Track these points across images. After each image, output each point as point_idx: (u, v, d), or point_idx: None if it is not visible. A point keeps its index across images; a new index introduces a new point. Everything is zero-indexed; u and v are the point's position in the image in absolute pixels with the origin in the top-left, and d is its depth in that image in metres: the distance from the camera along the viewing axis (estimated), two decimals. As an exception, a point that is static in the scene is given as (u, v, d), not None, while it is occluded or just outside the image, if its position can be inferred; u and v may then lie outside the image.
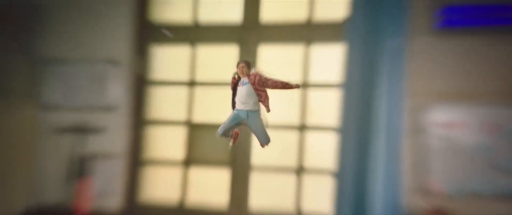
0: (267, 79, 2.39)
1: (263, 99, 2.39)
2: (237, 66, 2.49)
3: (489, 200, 3.70)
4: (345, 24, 3.96)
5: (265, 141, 2.43)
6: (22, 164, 4.43)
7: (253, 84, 2.37)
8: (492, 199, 3.69)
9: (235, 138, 2.38)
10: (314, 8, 4.30)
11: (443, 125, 3.82)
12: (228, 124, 2.43)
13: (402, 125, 3.77)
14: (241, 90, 2.41)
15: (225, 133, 2.44)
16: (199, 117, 4.25)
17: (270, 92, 4.47)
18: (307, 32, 4.29)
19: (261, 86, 2.35)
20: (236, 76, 2.50)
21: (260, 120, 2.42)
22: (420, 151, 3.86)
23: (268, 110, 2.38)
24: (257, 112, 2.39)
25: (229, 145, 2.38)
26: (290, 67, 4.09)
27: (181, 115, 4.38)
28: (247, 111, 2.37)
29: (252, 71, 2.45)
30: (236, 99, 2.44)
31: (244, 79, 2.44)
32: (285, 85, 2.33)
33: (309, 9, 4.30)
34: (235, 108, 2.46)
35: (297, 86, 2.24)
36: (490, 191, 3.71)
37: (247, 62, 2.47)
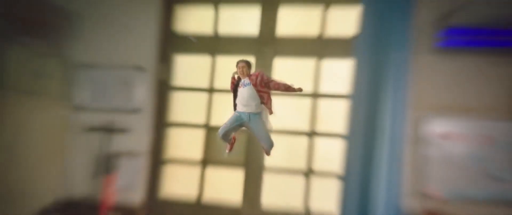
0: (269, 80, 2.37)
1: (266, 100, 2.36)
2: (237, 66, 2.42)
3: (482, 205, 3.73)
4: (354, 41, 3.96)
5: (268, 145, 2.38)
6: (53, 159, 4.46)
7: (255, 85, 2.32)
8: (484, 205, 3.73)
9: (232, 145, 2.40)
10: (325, 25, 4.29)
11: (441, 135, 3.85)
12: (229, 126, 2.39)
13: (404, 134, 3.78)
14: (243, 91, 2.35)
15: (226, 135, 2.41)
16: (217, 121, 4.24)
17: (283, 101, 4.12)
18: (319, 47, 4.28)
19: (263, 87, 2.33)
20: (236, 76, 2.45)
21: (263, 122, 2.40)
22: (420, 159, 3.88)
23: (271, 112, 2.38)
24: (259, 114, 2.36)
25: (226, 152, 2.45)
26: (303, 79, 4.09)
27: (200, 119, 4.36)
28: (249, 113, 2.34)
29: (252, 71, 2.45)
30: (237, 101, 2.39)
31: (245, 80, 2.37)
32: (288, 88, 2.33)
33: (321, 26, 4.30)
34: (236, 110, 2.43)
35: (299, 90, 2.27)
36: (483, 197, 3.74)
37: (247, 62, 2.41)
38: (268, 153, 2.45)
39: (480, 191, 3.77)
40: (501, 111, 3.78)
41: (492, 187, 3.78)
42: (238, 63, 2.37)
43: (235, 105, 2.42)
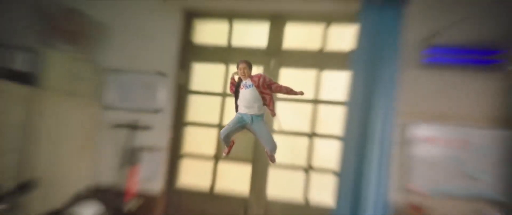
0: (271, 82, 2.23)
1: (268, 102, 2.23)
2: (237, 66, 2.27)
3: (458, 200, 3.80)
4: (351, 55, 3.96)
5: (271, 146, 2.26)
6: (86, 151, 4.47)
7: (257, 86, 2.19)
8: (460, 200, 3.79)
9: (230, 148, 2.34)
10: (326, 40, 4.30)
11: (424, 139, 3.91)
12: (232, 127, 2.27)
13: (392, 137, 3.79)
14: (245, 93, 2.22)
15: (228, 136, 2.32)
16: (228, 122, 4.13)
17: (287, 106, 4.13)
18: (319, 59, 4.28)
19: (266, 89, 2.20)
20: (235, 77, 2.33)
21: (265, 124, 2.29)
22: (406, 159, 3.93)
23: (274, 114, 2.27)
24: (261, 116, 2.25)
25: (223, 155, 2.38)
26: (305, 87, 3.83)
27: (214, 119, 4.36)
28: (252, 115, 2.22)
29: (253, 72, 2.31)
30: (239, 103, 2.25)
31: (247, 81, 2.23)
32: (290, 91, 2.20)
33: (322, 41, 4.30)
34: (238, 111, 2.30)
35: (301, 93, 2.19)
36: (459, 193, 3.80)
37: (248, 62, 2.27)
38: (272, 160, 2.36)
39: (456, 188, 3.81)
40: (476, 119, 3.83)
41: (467, 184, 3.84)
42: (238, 64, 2.27)
43: (236, 107, 2.32)
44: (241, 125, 2.25)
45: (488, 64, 3.86)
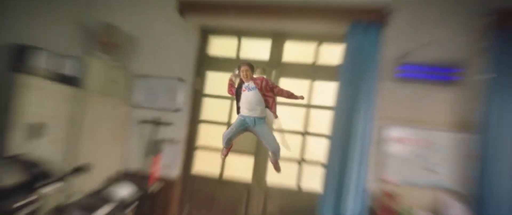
0: (274, 86, 2.08)
1: (270, 104, 2.07)
2: (239, 69, 2.09)
3: (421, 189, 3.88)
4: (338, 69, 3.97)
5: (274, 148, 2.11)
6: (117, 142, 4.50)
7: (260, 89, 2.03)
8: (423, 189, 3.88)
9: (228, 151, 2.24)
10: (318, 56, 4.33)
11: (396, 139, 3.97)
12: (235, 131, 2.12)
13: (371, 137, 3.84)
14: (248, 95, 2.05)
15: (230, 140, 2.17)
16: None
17: (284, 109, 3.83)
18: (312, 71, 4.30)
19: (268, 92, 2.04)
20: (234, 79, 2.20)
21: (268, 126, 2.11)
22: (381, 155, 3.98)
23: (276, 116, 2.11)
24: (264, 118, 2.08)
25: (221, 157, 2.28)
26: (300, 94, 3.78)
27: (224, 119, 4.40)
28: (254, 118, 2.05)
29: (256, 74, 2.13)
30: (241, 105, 2.09)
31: (250, 84, 2.06)
32: (291, 95, 2.06)
33: (315, 56, 4.33)
34: (240, 114, 2.13)
35: (301, 97, 2.07)
36: (422, 183, 3.89)
37: (250, 65, 2.09)
38: (277, 169, 2.32)
39: (421, 179, 3.90)
40: (438, 124, 3.90)
41: (429, 177, 3.91)
42: (240, 66, 2.10)
43: (238, 109, 2.16)
44: (243, 128, 2.11)
45: (449, 80, 3.92)
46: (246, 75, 2.05)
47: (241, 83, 2.11)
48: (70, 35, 4.49)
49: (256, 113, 2.05)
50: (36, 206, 2.73)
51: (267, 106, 2.09)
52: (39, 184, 2.83)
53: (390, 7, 3.92)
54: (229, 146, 2.26)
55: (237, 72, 2.17)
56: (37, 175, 2.91)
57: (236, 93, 2.13)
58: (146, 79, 4.63)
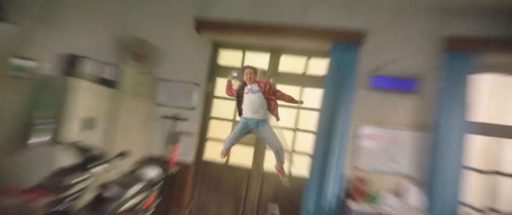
0: (276, 90, 1.93)
1: (272, 107, 1.91)
2: (243, 72, 1.89)
3: (386, 175, 3.95)
4: (324, 78, 4.02)
5: (278, 147, 1.89)
6: (144, 133, 4.55)
7: (264, 92, 1.88)
8: (388, 175, 3.96)
9: (227, 151, 2.12)
10: (307, 67, 4.40)
11: (367, 136, 4.04)
12: (239, 136, 1.93)
13: (348, 134, 3.89)
14: (252, 98, 1.87)
15: (233, 144, 2.01)
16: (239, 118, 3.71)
17: (280, 110, 3.70)
18: (303, 80, 4.34)
19: (271, 95, 1.89)
20: (233, 81, 2.01)
21: (271, 128, 1.92)
22: (355, 148, 4.04)
23: (278, 119, 1.96)
24: (266, 121, 1.92)
25: (221, 156, 2.17)
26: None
27: (230, 116, 4.47)
28: (258, 120, 1.90)
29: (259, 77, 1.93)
30: (245, 107, 1.92)
31: (254, 87, 1.89)
32: (292, 100, 1.96)
33: (305, 68, 4.40)
34: (242, 116, 1.94)
35: (301, 102, 2.03)
36: (387, 171, 3.97)
37: (254, 68, 1.91)
38: (282, 175, 2.11)
39: (386, 168, 3.99)
40: (401, 124, 3.98)
41: (392, 166, 3.99)
42: (244, 68, 1.92)
43: (240, 111, 1.98)
44: (246, 130, 1.95)
45: (410, 90, 3.97)
46: (250, 78, 1.88)
47: (244, 85, 1.95)
48: (110, 46, 4.57)
49: (259, 116, 1.88)
50: (88, 182, 2.83)
51: (269, 109, 1.95)
52: (91, 165, 2.92)
53: (365, 31, 4.00)
54: (229, 149, 2.10)
55: (235, 74, 2.04)
56: (89, 158, 2.97)
57: (237, 95, 1.97)
58: (168, 83, 4.66)
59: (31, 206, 2.27)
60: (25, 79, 3.21)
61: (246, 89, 1.92)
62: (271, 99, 1.93)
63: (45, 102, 3.18)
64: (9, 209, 2.34)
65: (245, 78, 1.92)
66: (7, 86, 3.18)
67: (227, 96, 4.47)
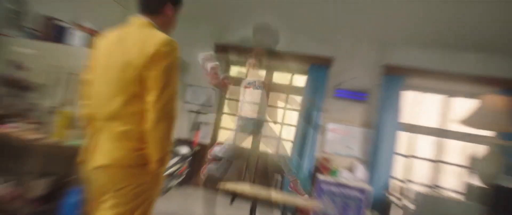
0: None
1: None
2: (249, 57, 1.31)
3: (343, 157, 4.29)
4: (304, 89, 4.38)
5: (278, 151, 1.33)
6: (176, 122, 4.89)
7: (267, 90, 1.30)
8: (344, 157, 4.30)
9: (205, 168, 1.63)
10: (292, 81, 4.69)
11: (331, 130, 4.37)
12: (238, 144, 1.42)
13: (318, 128, 4.20)
14: (254, 94, 1.38)
15: (232, 157, 1.47)
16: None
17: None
18: (289, 89, 4.53)
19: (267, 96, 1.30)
20: (214, 66, 1.41)
21: (271, 129, 1.51)
22: (323, 138, 4.36)
23: (276, 122, 1.44)
24: (266, 122, 1.45)
25: (201, 175, 1.83)
26: (280, 102, 3.97)
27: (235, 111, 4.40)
28: (259, 120, 1.41)
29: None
30: (244, 105, 1.41)
31: (256, 81, 1.38)
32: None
33: (290, 81, 4.69)
34: (239, 116, 1.45)
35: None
36: (344, 154, 4.30)
37: (263, 53, 1.27)
38: (300, 193, 1.64)
39: (343, 152, 4.34)
40: (354, 123, 4.34)
41: (347, 150, 4.34)
42: (253, 51, 1.27)
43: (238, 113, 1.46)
44: (245, 135, 1.39)
45: (361, 99, 4.34)
46: (255, 64, 1.31)
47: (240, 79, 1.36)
48: None
49: (261, 115, 1.39)
50: None
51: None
52: None
53: (332, 58, 4.36)
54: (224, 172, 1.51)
55: (208, 57, 1.40)
56: None
57: (223, 84, 1.33)
58: (193, 87, 4.97)
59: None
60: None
61: (245, 83, 1.39)
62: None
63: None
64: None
65: (252, 57, 1.31)
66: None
67: (235, 99, 3.99)
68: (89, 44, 2.68)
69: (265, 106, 1.62)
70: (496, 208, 1.35)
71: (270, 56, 1.70)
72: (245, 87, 1.54)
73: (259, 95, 1.53)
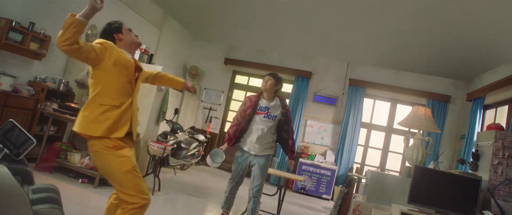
0: (291, 121, 1.01)
1: (289, 146, 1.02)
2: (265, 78, 1.03)
3: (318, 145, 4.56)
4: (290, 95, 4.66)
5: (259, 184, 0.97)
6: (194, 116, 5.10)
7: (283, 118, 0.99)
8: (319, 145, 4.56)
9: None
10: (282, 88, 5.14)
11: (310, 125, 4.64)
12: (238, 174, 1.06)
13: (300, 123, 4.51)
14: (266, 124, 1.03)
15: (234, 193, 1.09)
16: None
17: None
18: (280, 94, 4.92)
19: (284, 125, 0.99)
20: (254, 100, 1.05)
21: (267, 164, 1.04)
22: (304, 131, 4.66)
23: (292, 166, 1.09)
24: (269, 156, 1.05)
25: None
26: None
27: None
28: (262, 155, 1.02)
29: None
30: (248, 135, 1.05)
31: (270, 108, 1.02)
32: (293, 145, 1.06)
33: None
34: (241, 148, 1.06)
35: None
36: (318, 143, 4.55)
37: (277, 77, 1.03)
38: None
39: (318, 141, 4.59)
40: (327, 120, 4.65)
41: (322, 140, 4.58)
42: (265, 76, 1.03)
43: (231, 141, 1.10)
44: (247, 167, 1.03)
45: (332, 103, 4.68)
46: (269, 85, 0.97)
47: (257, 101, 1.06)
48: (178, 71, 5.13)
49: (267, 150, 1.02)
50: (176, 140, 3.55)
51: (282, 146, 1.11)
52: (175, 132, 3.74)
53: (312, 72, 4.77)
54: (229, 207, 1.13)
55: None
56: (174, 128, 3.88)
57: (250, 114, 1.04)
58: (207, 90, 5.32)
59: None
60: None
61: (259, 108, 1.04)
62: (283, 131, 1.02)
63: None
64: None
65: (262, 85, 1.00)
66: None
67: (239, 100, 4.96)
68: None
69: (274, 139, 1.07)
70: (416, 181, 1.79)
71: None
72: (257, 113, 1.05)
73: (272, 126, 1.02)
